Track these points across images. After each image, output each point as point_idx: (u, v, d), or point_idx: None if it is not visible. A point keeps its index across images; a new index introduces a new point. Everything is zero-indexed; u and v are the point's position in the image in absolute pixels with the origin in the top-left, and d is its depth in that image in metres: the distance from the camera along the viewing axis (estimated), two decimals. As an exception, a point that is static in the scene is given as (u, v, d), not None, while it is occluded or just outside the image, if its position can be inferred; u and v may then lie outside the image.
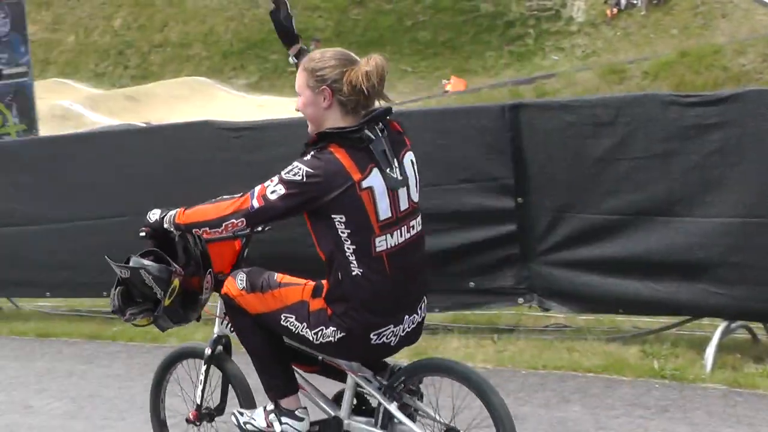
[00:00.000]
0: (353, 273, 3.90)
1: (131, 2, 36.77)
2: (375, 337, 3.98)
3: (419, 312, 4.11)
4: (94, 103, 29.20)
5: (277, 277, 4.23)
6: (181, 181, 7.78)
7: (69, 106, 28.64)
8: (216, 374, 4.64)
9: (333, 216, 3.86)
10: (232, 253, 4.59)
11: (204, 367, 4.62)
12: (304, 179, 3.81)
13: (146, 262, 4.28)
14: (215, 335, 4.63)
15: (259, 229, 4.49)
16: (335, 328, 3.98)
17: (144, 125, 21.40)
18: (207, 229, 4.06)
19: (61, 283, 8.70)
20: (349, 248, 3.89)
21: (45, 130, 20.54)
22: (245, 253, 4.61)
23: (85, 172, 8.47)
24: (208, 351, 4.59)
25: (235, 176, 7.23)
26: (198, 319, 4.52)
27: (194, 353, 4.77)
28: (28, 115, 18.85)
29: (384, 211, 3.90)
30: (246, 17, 34.37)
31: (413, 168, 4.04)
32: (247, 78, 32.72)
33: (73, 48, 35.90)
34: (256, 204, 3.90)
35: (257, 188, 3.92)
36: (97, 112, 27.84)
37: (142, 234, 4.32)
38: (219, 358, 4.62)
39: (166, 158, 8.09)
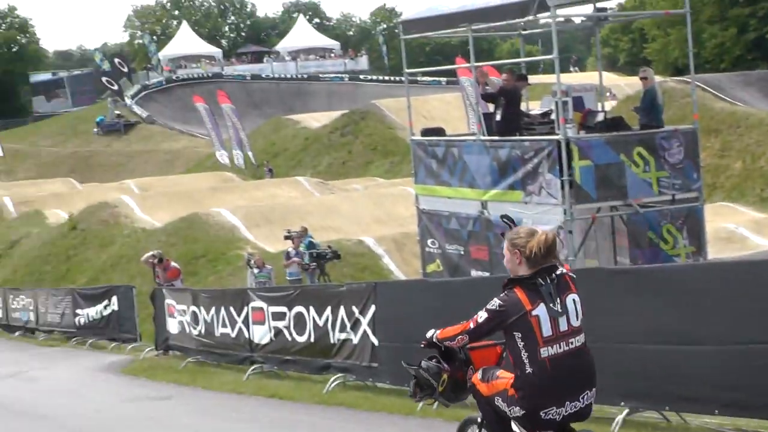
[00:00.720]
0: (527, 371, 6.06)
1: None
2: (543, 414, 6.04)
3: (581, 400, 6.09)
4: (758, 227, 29.80)
5: (498, 372, 6.35)
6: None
7: (734, 228, 29.51)
8: None
9: (514, 333, 6.07)
10: (495, 356, 6.68)
11: (477, 431, 6.70)
12: (497, 308, 6.10)
13: (431, 363, 6.59)
14: None
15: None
16: (519, 407, 6.10)
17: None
18: (449, 342, 6.39)
19: (729, 402, 8.95)
20: (524, 354, 6.06)
21: (711, 252, 21.61)
22: (504, 355, 6.54)
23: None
24: (478, 419, 6.62)
25: None
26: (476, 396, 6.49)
27: (473, 422, 6.76)
28: (697, 237, 19.73)
29: (546, 330, 6.04)
30: None
31: (575, 305, 6.13)
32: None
33: (740, 173, 36.86)
34: (472, 325, 6.21)
35: (475, 315, 6.17)
36: (762, 236, 28.40)
37: (421, 346, 6.64)
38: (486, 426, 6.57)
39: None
